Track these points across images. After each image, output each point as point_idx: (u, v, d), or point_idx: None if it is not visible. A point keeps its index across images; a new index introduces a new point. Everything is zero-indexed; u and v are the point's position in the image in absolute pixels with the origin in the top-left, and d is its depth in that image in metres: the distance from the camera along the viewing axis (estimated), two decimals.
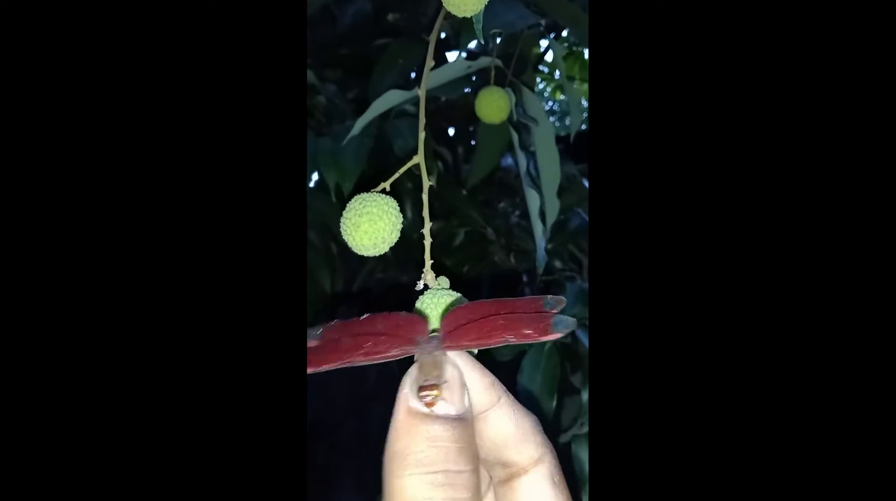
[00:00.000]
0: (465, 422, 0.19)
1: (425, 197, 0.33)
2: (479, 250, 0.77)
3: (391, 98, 0.47)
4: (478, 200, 0.77)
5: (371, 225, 0.29)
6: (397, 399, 0.19)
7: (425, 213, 0.33)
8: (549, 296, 0.21)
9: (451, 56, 0.86)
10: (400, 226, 0.32)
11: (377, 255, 0.31)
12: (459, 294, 0.29)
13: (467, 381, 0.20)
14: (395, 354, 0.20)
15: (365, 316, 0.21)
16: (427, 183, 0.34)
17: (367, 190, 0.33)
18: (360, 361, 0.20)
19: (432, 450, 0.17)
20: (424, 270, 0.31)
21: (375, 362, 0.19)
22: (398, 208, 0.32)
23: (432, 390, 0.18)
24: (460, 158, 0.83)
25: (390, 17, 0.83)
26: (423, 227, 0.32)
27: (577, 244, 0.77)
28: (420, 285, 0.30)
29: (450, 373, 0.19)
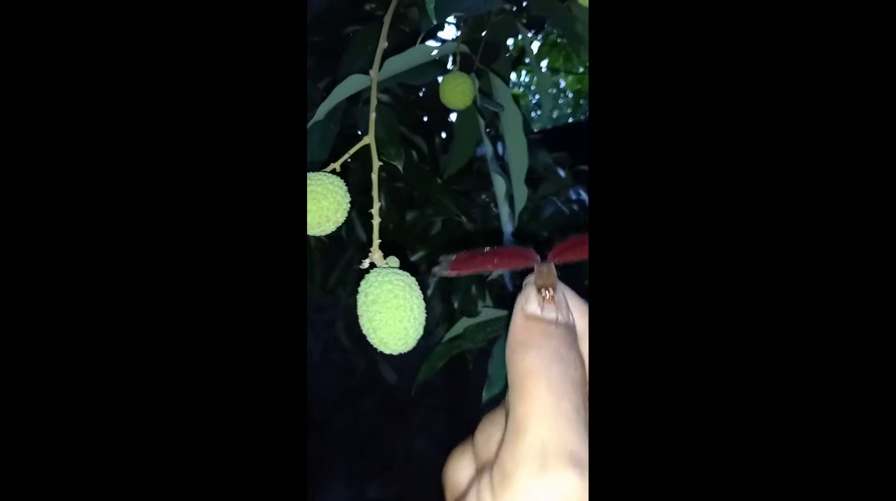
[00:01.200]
0: (570, 327, 0.22)
1: (374, 177, 0.33)
2: (456, 238, 0.77)
3: (353, 83, 0.47)
4: (454, 189, 0.77)
5: (314, 204, 0.29)
6: (514, 310, 0.22)
7: (374, 193, 0.33)
8: None
9: (432, 45, 0.86)
10: (347, 206, 0.32)
11: (324, 234, 0.31)
12: (407, 273, 0.30)
13: (572, 307, 0.23)
14: (517, 265, 0.25)
15: (487, 249, 0.25)
16: (377, 163, 0.34)
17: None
18: (491, 269, 0.26)
19: (548, 340, 0.21)
20: (372, 249, 0.31)
21: (503, 270, 0.26)
22: (345, 188, 0.32)
23: (549, 289, 0.22)
24: (437, 148, 0.83)
25: (367, 6, 0.83)
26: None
27: (554, 232, 0.77)
28: (366, 264, 0.30)
29: (560, 293, 0.22)
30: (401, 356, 0.30)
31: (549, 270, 0.23)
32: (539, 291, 0.22)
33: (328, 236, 0.35)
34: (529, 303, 0.22)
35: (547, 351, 0.21)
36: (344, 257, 0.84)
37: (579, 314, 0.23)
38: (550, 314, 0.22)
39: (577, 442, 0.19)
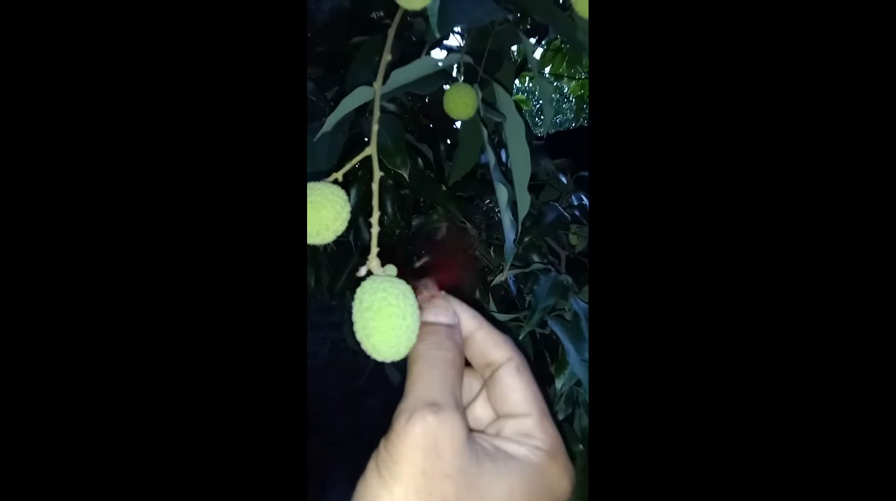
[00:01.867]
0: (452, 328, 0.30)
1: (375, 187, 0.34)
2: (460, 243, 0.78)
3: (360, 95, 0.48)
4: (458, 195, 0.78)
5: (314, 213, 0.30)
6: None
7: (374, 202, 0.34)
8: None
9: (439, 55, 0.87)
10: (347, 216, 0.33)
11: (323, 243, 0.32)
12: (403, 281, 0.31)
13: (458, 312, 0.31)
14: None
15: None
16: (377, 174, 0.35)
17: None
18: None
19: (430, 334, 0.29)
20: (369, 257, 0.32)
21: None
22: (345, 198, 0.33)
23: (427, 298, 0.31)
24: (443, 156, 0.84)
25: (374, 15, 0.85)
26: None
27: (556, 238, 0.77)
28: (363, 272, 0.31)
29: (442, 303, 0.31)
30: (405, 359, 0.31)
31: (428, 290, 0.32)
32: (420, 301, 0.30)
33: (336, 242, 0.36)
34: (424, 314, 0.30)
35: (428, 342, 0.29)
36: (351, 261, 0.86)
37: (468, 317, 0.31)
38: (433, 317, 0.30)
39: (438, 396, 0.26)
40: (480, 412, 0.32)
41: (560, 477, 0.27)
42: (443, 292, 0.32)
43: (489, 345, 0.31)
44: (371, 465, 0.26)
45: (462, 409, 0.27)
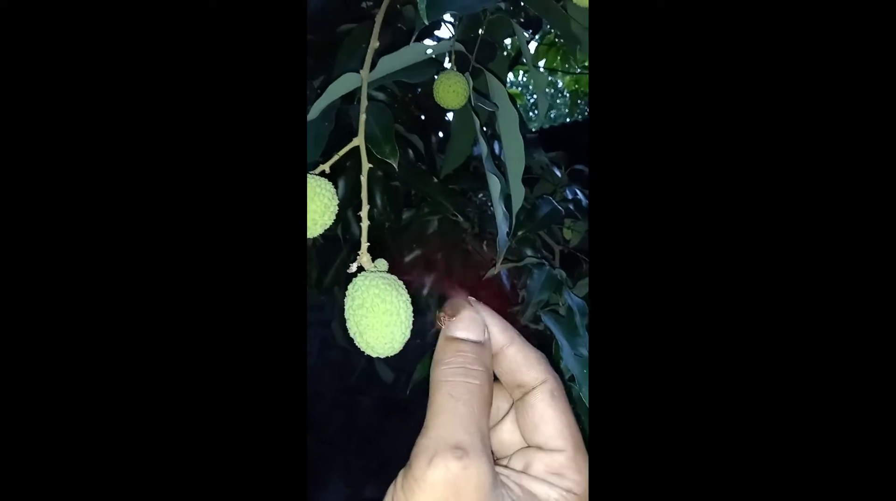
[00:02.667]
0: (481, 346, 0.27)
1: (364, 179, 0.33)
2: (452, 238, 0.76)
3: (346, 82, 0.47)
4: (450, 188, 0.76)
5: None
6: (440, 335, 0.28)
7: (363, 195, 0.32)
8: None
9: (428, 43, 0.85)
10: (335, 209, 0.31)
11: (311, 237, 0.31)
12: (394, 277, 0.29)
13: (489, 325, 0.28)
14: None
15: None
16: (366, 165, 0.34)
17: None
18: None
19: (455, 356, 0.26)
20: (360, 252, 0.31)
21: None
22: (333, 191, 0.31)
23: (446, 317, 0.27)
24: (434, 148, 0.83)
25: (363, 4, 0.83)
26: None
27: (550, 232, 0.76)
28: (353, 268, 0.30)
29: (471, 315, 0.27)
30: (397, 355, 0.30)
31: (456, 302, 0.28)
32: (446, 315, 0.28)
33: (324, 236, 0.34)
34: (449, 327, 0.27)
35: (453, 366, 0.26)
36: (339, 256, 0.84)
37: (498, 330, 0.28)
38: (462, 333, 0.27)
39: (463, 436, 0.23)
40: (507, 435, 0.29)
41: None
42: (472, 299, 0.28)
43: (521, 364, 0.27)
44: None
45: (489, 450, 0.24)
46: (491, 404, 0.26)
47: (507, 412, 0.29)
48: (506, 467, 0.27)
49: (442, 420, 0.24)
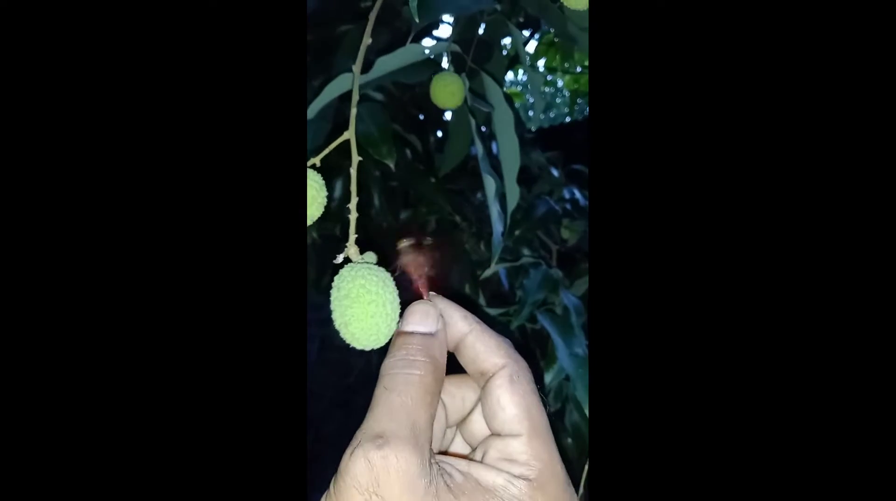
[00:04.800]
0: (431, 337, 0.27)
1: (353, 171, 0.33)
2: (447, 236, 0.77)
3: (343, 82, 0.47)
4: (447, 188, 0.77)
5: None
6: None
7: (353, 187, 0.33)
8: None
9: (426, 44, 0.86)
10: (323, 201, 0.32)
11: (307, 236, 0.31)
12: (381, 268, 0.30)
13: (446, 316, 0.28)
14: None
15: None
16: (356, 158, 0.34)
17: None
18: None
19: (400, 349, 0.26)
20: (347, 244, 0.31)
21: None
22: (322, 183, 0.32)
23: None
24: (432, 147, 0.83)
25: (362, 4, 0.83)
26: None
27: (547, 232, 0.77)
28: (339, 259, 0.30)
29: (423, 309, 0.27)
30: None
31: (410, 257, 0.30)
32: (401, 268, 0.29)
33: (322, 235, 0.34)
34: (402, 322, 0.27)
35: (395, 358, 0.26)
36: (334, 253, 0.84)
37: (456, 319, 0.28)
38: (411, 327, 0.27)
39: (388, 425, 0.23)
40: (477, 426, 0.28)
41: None
42: (431, 293, 0.29)
43: (481, 351, 0.27)
44: None
45: (422, 439, 0.23)
46: (437, 394, 0.25)
47: (476, 404, 0.28)
48: (451, 455, 0.27)
49: (374, 413, 0.24)
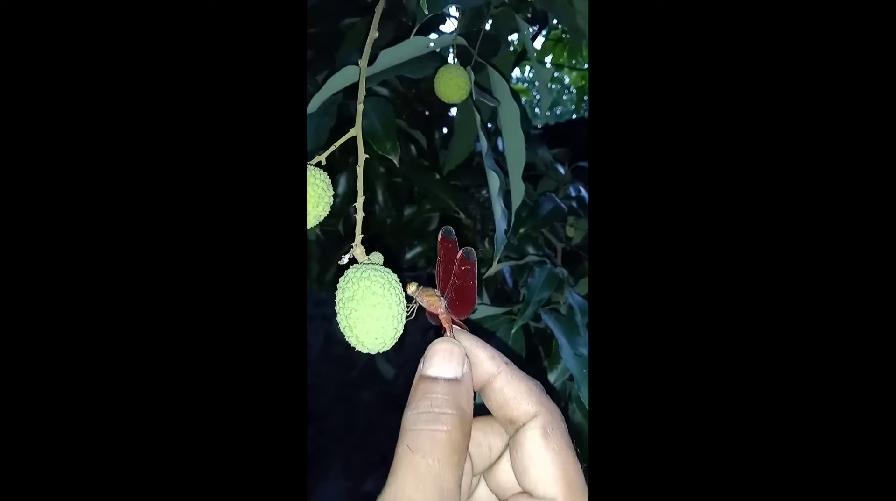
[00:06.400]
0: (457, 383, 0.24)
1: (360, 170, 0.33)
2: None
3: (346, 75, 0.47)
4: (453, 184, 0.76)
5: None
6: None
7: (359, 186, 0.32)
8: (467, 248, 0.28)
9: (431, 37, 0.85)
10: (329, 200, 0.31)
11: (311, 231, 0.31)
12: (388, 270, 0.29)
13: (471, 356, 0.25)
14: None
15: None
16: (363, 156, 0.33)
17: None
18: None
19: (424, 399, 0.24)
20: (353, 244, 0.30)
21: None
22: (328, 182, 0.31)
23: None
24: (437, 143, 0.82)
25: None
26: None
27: (552, 230, 0.76)
28: (345, 260, 0.29)
29: (447, 348, 0.25)
30: (397, 351, 0.29)
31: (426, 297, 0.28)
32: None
33: (325, 231, 0.34)
34: (424, 364, 0.25)
35: (419, 411, 0.23)
36: (341, 251, 0.84)
37: (483, 360, 0.25)
38: (434, 371, 0.24)
39: (415, 496, 0.21)
40: (505, 476, 0.26)
41: None
42: (455, 328, 0.26)
43: (510, 397, 0.25)
44: None
45: None
46: (465, 451, 0.23)
47: (504, 451, 0.26)
48: None
49: (398, 477, 0.22)
